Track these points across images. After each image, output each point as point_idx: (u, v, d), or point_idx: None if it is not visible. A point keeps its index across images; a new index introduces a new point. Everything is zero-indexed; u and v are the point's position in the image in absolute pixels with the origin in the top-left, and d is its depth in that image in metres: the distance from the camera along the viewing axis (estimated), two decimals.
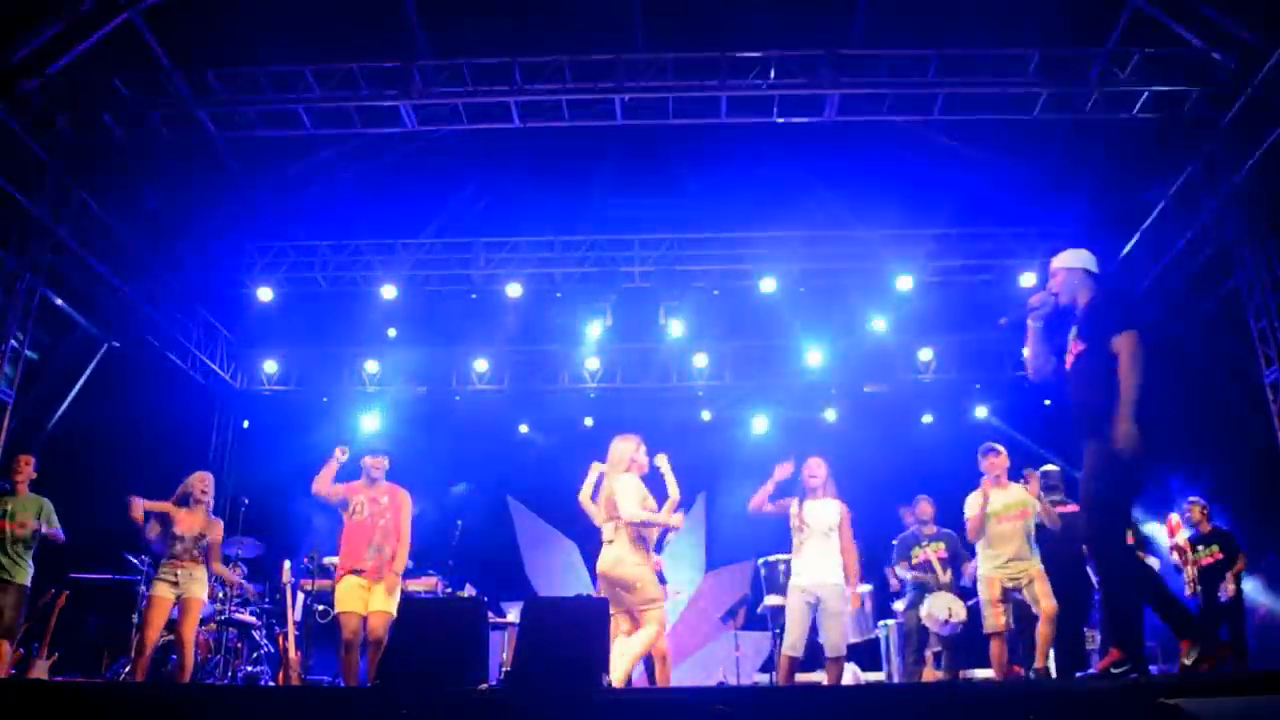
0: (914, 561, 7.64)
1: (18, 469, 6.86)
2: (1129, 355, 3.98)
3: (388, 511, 6.02)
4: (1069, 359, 4.32)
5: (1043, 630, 6.17)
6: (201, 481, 6.56)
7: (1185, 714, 3.19)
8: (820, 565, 6.03)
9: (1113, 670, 3.91)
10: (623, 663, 5.16)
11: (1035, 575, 6.24)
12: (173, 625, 6.39)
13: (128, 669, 7.61)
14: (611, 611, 5.42)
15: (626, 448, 5.85)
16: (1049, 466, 7.40)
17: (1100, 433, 4.00)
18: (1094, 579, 7.70)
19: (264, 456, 12.94)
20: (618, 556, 5.51)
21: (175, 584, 6.17)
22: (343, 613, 5.83)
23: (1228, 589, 7.58)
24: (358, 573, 5.88)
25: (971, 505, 6.57)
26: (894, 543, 8.06)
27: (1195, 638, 3.95)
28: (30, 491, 6.90)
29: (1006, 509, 6.38)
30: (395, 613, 5.80)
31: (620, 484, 5.65)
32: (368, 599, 5.83)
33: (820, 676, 7.06)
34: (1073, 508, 7.49)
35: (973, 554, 7.78)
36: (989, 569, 6.37)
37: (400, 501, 6.12)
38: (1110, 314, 4.15)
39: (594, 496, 6.08)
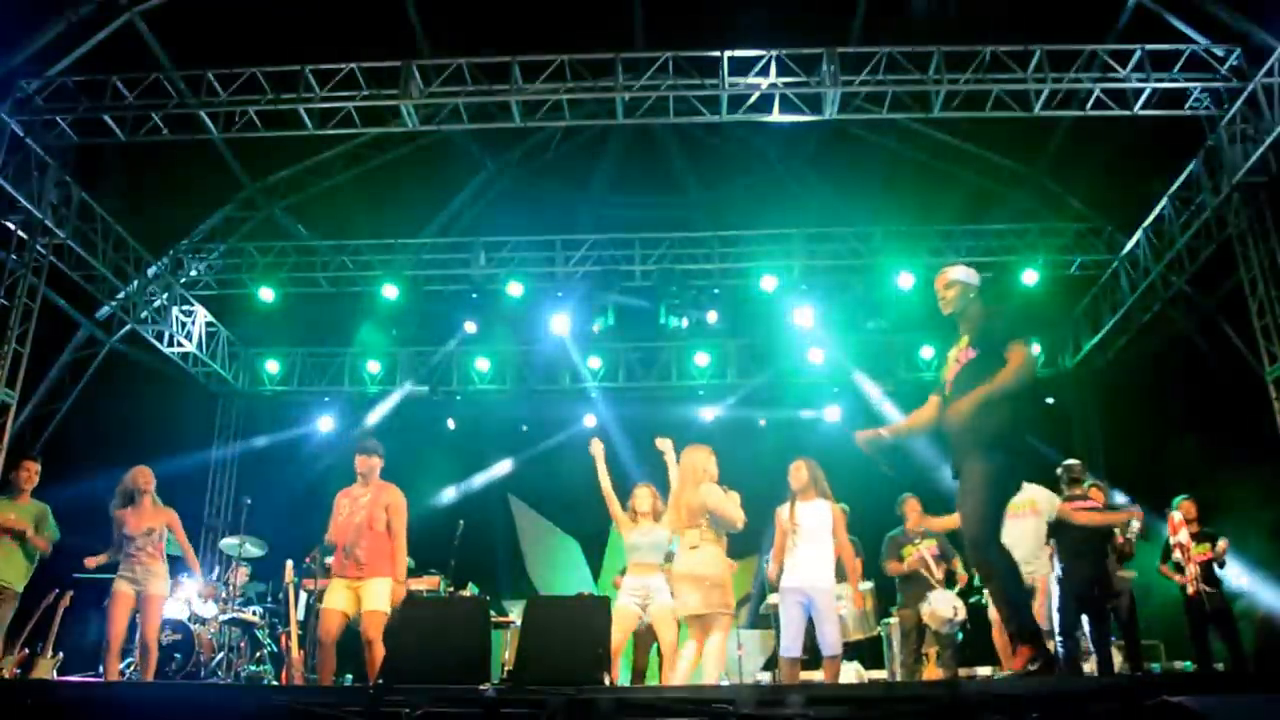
0: (906, 560, 7.60)
1: (23, 474, 6.74)
2: (1019, 362, 4.07)
3: (363, 509, 5.94)
4: (953, 368, 4.39)
5: None
6: (140, 476, 6.45)
7: (1189, 712, 3.18)
8: (810, 567, 6.01)
9: (1029, 667, 3.95)
10: (697, 671, 5.44)
11: (1039, 586, 6.14)
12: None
13: (132, 668, 7.62)
14: (683, 618, 5.67)
15: (699, 457, 5.94)
16: (1071, 460, 7.29)
17: (984, 444, 4.05)
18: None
19: (266, 456, 12.95)
20: (705, 559, 5.62)
21: (134, 580, 6.16)
22: (322, 609, 5.78)
23: (1222, 548, 7.62)
24: (342, 575, 5.83)
25: None
26: (884, 541, 8.01)
27: (1032, 643, 3.98)
28: (33, 498, 6.79)
29: (1017, 507, 6.31)
30: (388, 612, 5.78)
31: (706, 491, 5.80)
32: (354, 600, 5.77)
33: (819, 675, 7.06)
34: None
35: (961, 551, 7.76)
36: None
37: (382, 499, 5.98)
38: (1006, 322, 4.29)
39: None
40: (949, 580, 7.67)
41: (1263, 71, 8.37)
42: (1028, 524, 6.28)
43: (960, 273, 4.58)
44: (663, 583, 6.35)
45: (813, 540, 6.03)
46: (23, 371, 9.18)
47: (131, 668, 7.65)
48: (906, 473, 4.76)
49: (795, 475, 6.19)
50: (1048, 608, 6.42)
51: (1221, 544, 7.69)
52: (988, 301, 4.50)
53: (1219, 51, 8.71)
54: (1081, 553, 6.38)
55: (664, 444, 6.41)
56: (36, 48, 8.76)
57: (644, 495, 6.54)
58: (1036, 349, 4.05)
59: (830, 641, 5.92)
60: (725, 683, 8.93)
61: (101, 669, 7.19)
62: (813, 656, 6.17)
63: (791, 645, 5.93)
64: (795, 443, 12.43)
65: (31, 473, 6.72)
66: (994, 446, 4.04)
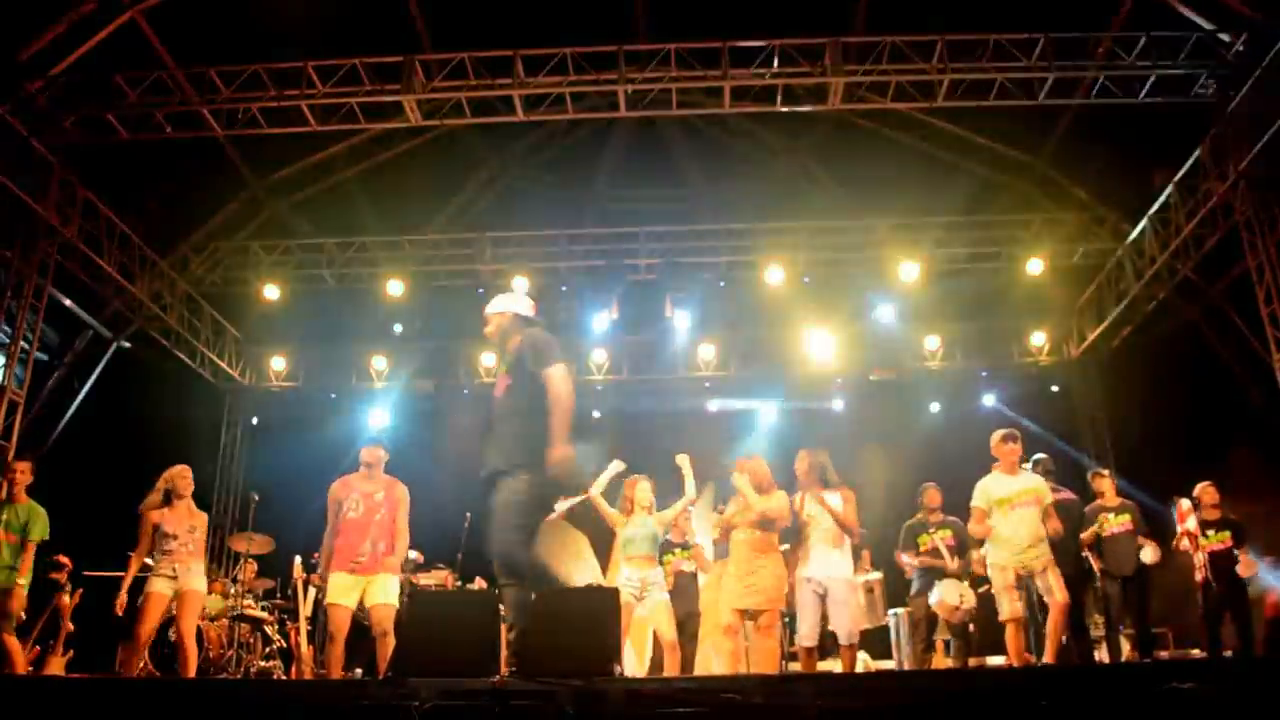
0: (922, 549, 7.61)
1: (14, 475, 6.65)
2: (559, 385, 4.23)
3: (383, 507, 5.89)
4: (497, 393, 4.59)
5: (1054, 621, 6.11)
6: (181, 476, 6.34)
7: (1196, 699, 3.19)
8: (826, 556, 6.06)
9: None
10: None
11: (1047, 564, 6.18)
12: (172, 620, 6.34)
13: (142, 665, 7.66)
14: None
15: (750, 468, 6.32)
16: (1040, 455, 7.35)
17: (518, 462, 4.26)
18: (1095, 566, 7.68)
19: (273, 453, 12.97)
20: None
21: (173, 578, 6.09)
22: (331, 605, 5.74)
23: (1250, 569, 7.59)
24: (351, 570, 5.77)
25: (977, 497, 6.52)
26: (901, 530, 8.03)
27: None
28: (28, 497, 6.69)
29: (1019, 495, 6.32)
30: (397, 603, 5.79)
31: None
32: (361, 594, 5.77)
33: (831, 665, 7.08)
34: (1066, 494, 7.46)
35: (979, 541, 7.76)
36: (1002, 556, 6.31)
37: (397, 497, 5.97)
38: (536, 350, 4.41)
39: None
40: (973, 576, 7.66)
41: (1269, 57, 8.32)
42: (1029, 513, 6.28)
43: (497, 305, 4.73)
44: (658, 576, 6.41)
45: (825, 529, 6.08)
46: (30, 371, 9.21)
47: (142, 665, 7.68)
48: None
49: (799, 466, 6.24)
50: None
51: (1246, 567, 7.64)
52: (522, 329, 4.62)
53: (1224, 37, 8.66)
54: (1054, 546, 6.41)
55: (682, 460, 6.53)
56: (39, 47, 8.77)
57: (645, 489, 6.59)
58: (566, 369, 4.26)
59: (846, 630, 5.97)
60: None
61: (118, 666, 7.20)
62: (822, 647, 6.20)
63: (808, 634, 5.98)
64: (801, 435, 12.49)
65: (21, 473, 6.64)
66: (530, 466, 4.24)
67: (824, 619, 6.13)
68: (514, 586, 4.31)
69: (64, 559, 7.88)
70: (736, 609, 6.06)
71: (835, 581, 6.02)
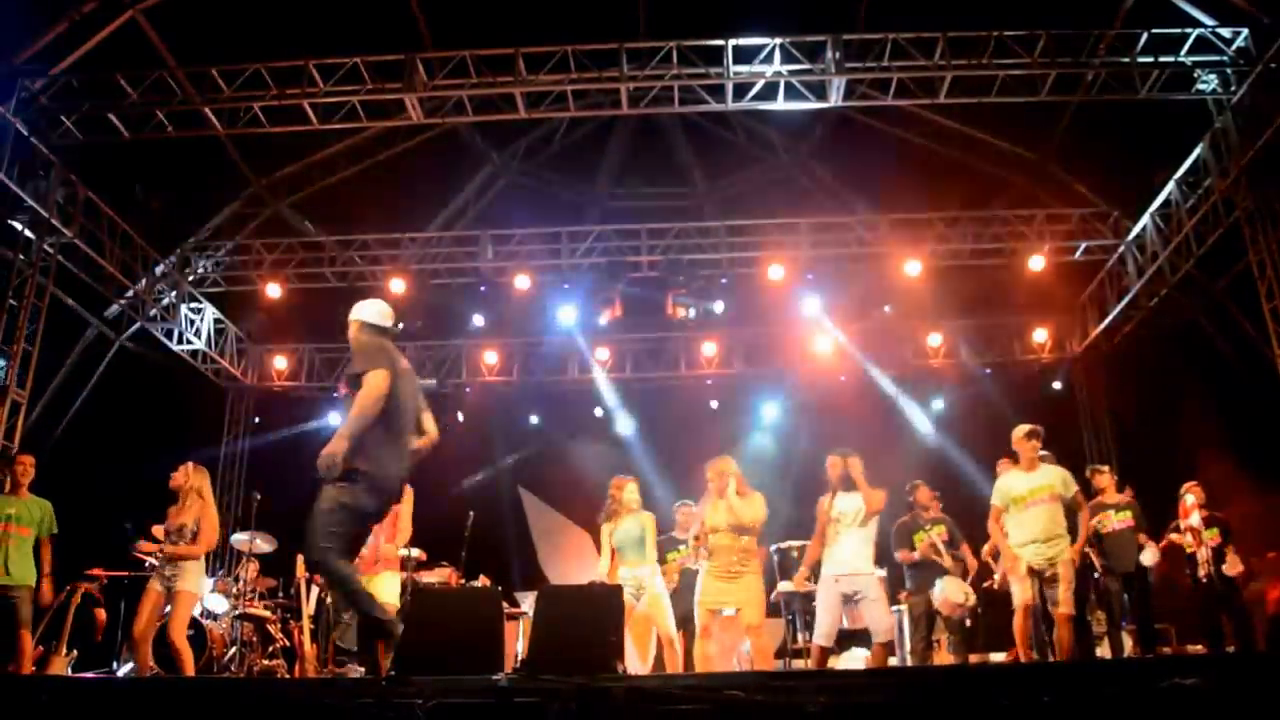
0: (918, 547, 7.60)
1: (19, 469, 6.60)
2: (367, 390, 4.24)
3: None
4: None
5: (1060, 635, 6.10)
6: (176, 474, 6.41)
7: (1197, 694, 3.19)
8: (855, 556, 6.08)
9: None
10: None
11: (1061, 572, 6.12)
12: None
13: (129, 666, 7.67)
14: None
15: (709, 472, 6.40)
16: (1043, 452, 7.36)
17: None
18: (1096, 562, 7.67)
19: (276, 452, 12.99)
20: None
21: (164, 577, 6.16)
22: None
23: (1237, 567, 7.62)
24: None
25: (996, 495, 6.53)
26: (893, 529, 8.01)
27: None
28: (31, 493, 6.63)
29: (1034, 492, 6.33)
30: (398, 602, 5.81)
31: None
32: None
33: (834, 661, 7.10)
34: None
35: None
36: (1017, 547, 6.33)
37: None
38: (361, 358, 4.42)
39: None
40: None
41: (1270, 53, 8.31)
42: (1043, 509, 6.28)
43: (356, 310, 4.70)
44: (653, 573, 6.41)
45: (854, 529, 6.11)
46: (32, 371, 9.21)
47: (129, 666, 7.68)
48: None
49: (832, 469, 6.27)
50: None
51: (1233, 565, 7.67)
52: (370, 337, 4.61)
53: (1226, 33, 8.65)
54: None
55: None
56: (39, 47, 8.77)
57: (632, 489, 6.64)
58: (385, 376, 4.27)
59: (885, 627, 6.02)
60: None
61: (116, 665, 7.21)
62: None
63: (828, 633, 5.99)
64: (802, 433, 12.51)
65: (27, 466, 6.66)
66: (344, 475, 4.23)
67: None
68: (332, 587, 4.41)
69: (99, 571, 7.91)
70: (709, 609, 6.06)
71: (867, 580, 6.06)
